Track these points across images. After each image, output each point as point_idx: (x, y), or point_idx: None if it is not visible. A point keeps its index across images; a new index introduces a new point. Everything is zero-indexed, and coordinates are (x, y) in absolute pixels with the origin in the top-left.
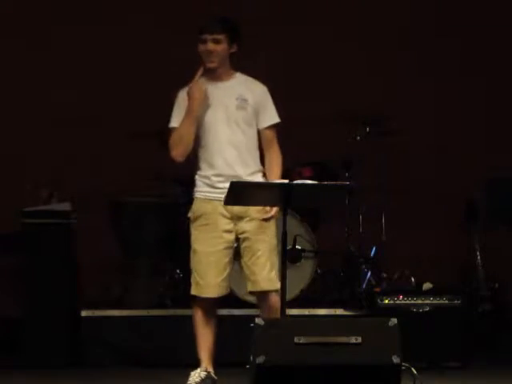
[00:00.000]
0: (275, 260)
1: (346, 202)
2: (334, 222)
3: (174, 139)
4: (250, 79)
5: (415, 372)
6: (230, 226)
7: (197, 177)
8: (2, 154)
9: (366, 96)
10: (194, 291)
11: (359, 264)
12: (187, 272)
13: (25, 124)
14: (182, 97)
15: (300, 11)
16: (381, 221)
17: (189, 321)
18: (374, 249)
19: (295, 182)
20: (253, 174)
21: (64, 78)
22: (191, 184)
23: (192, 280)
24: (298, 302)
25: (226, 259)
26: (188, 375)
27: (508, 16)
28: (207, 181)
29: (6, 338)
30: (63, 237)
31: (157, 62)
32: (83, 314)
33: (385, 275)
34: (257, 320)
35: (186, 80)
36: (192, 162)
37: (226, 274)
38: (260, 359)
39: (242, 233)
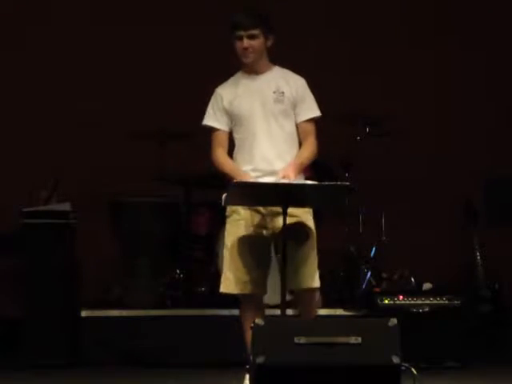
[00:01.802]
0: (308, 259)
1: (346, 202)
2: (334, 222)
3: (217, 162)
4: (287, 72)
5: (415, 372)
6: (264, 221)
7: None
8: (2, 154)
9: (365, 96)
10: (223, 288)
11: (359, 264)
12: (187, 272)
13: (24, 124)
14: (218, 95)
15: (299, 11)
16: (381, 221)
17: (188, 321)
18: (374, 249)
19: (295, 182)
20: None
21: (64, 78)
22: (191, 184)
23: (222, 277)
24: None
25: (260, 255)
26: (188, 375)
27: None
28: None
29: (6, 338)
30: (63, 237)
31: (157, 62)
32: (83, 314)
33: (385, 275)
34: (257, 320)
35: (185, 79)
36: (193, 163)
37: (260, 270)
38: (260, 359)
39: (279, 228)
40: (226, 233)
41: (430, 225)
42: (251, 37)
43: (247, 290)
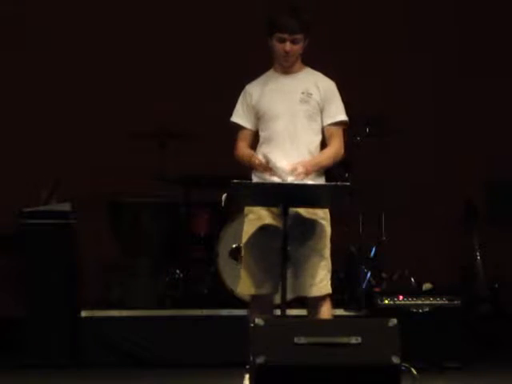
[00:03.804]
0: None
1: (348, 202)
2: (334, 222)
3: (237, 156)
4: (318, 74)
5: (415, 372)
6: (275, 221)
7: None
8: (2, 154)
9: (365, 96)
10: (240, 288)
11: (359, 264)
12: (187, 272)
13: (25, 124)
14: (247, 92)
15: None
16: (381, 221)
17: (188, 321)
18: (374, 249)
19: (295, 182)
20: None
21: (64, 78)
22: (191, 184)
23: (241, 277)
24: (297, 302)
25: (273, 255)
26: (188, 375)
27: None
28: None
29: (7, 337)
30: (63, 237)
31: (157, 62)
32: (83, 314)
33: (385, 275)
34: (257, 320)
35: (186, 79)
36: (193, 163)
37: (273, 271)
38: (260, 359)
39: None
40: (243, 233)
41: (430, 225)
42: (294, 41)
43: (260, 290)
